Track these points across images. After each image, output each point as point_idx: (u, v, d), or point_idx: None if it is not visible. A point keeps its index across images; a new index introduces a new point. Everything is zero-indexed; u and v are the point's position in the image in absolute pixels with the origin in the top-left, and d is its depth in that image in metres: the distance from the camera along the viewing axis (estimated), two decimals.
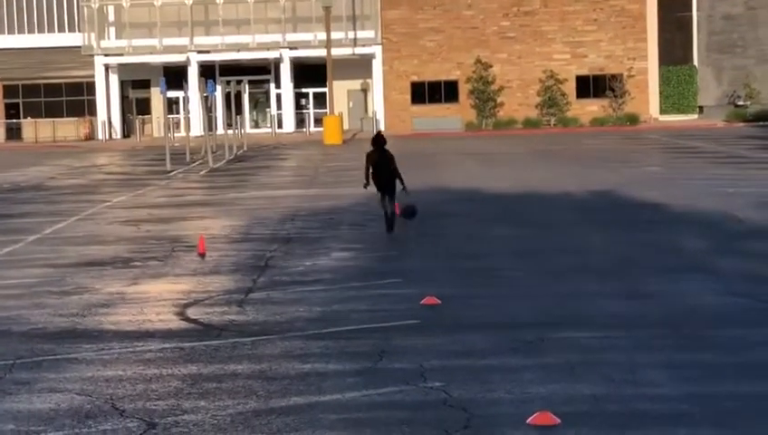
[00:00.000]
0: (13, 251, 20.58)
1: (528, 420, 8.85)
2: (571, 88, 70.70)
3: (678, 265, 16.73)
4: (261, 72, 73.08)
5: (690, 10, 73.94)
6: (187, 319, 13.61)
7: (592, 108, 70.07)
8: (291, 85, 71.95)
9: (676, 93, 72.38)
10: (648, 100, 70.87)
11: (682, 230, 20.70)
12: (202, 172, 41.34)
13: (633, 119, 68.31)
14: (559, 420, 8.81)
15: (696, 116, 72.03)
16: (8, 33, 74.69)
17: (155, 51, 71.72)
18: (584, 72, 70.87)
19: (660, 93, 71.77)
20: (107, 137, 71.42)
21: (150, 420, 9.20)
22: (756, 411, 9.09)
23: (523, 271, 16.63)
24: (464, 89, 70.93)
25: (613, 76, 70.09)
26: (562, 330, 12.28)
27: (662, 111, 71.73)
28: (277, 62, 71.77)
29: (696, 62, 73.37)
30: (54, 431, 8.96)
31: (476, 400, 9.56)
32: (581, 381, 10.04)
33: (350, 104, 73.48)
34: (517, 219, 23.21)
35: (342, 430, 8.81)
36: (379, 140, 22.09)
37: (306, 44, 70.96)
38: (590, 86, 70.89)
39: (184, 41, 71.64)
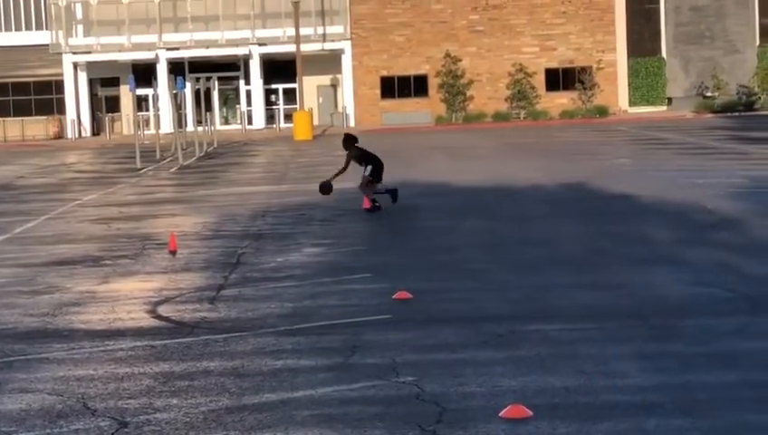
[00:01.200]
0: None
1: (500, 414, 8.88)
2: (540, 81, 70.88)
3: (648, 255, 16.80)
4: (230, 68, 72.98)
5: (658, 2, 74.16)
6: (159, 317, 13.59)
7: (562, 100, 70.28)
8: (260, 81, 71.86)
9: (645, 85, 72.63)
10: (617, 92, 71.13)
11: (651, 221, 20.79)
12: (172, 169, 41.24)
13: (602, 111, 68.54)
14: (531, 413, 8.84)
15: (664, 107, 72.32)
16: None
17: (123, 48, 71.50)
18: (553, 64, 71.05)
19: (629, 85, 72.02)
20: (76, 135, 71.16)
21: (122, 418, 9.18)
22: (726, 400, 9.15)
23: (493, 264, 16.68)
24: (433, 83, 71.01)
25: (582, 69, 70.31)
26: (533, 322, 12.33)
27: (631, 103, 71.99)
28: (246, 59, 71.66)
29: (664, 54, 73.62)
30: (26, 432, 8.94)
31: (449, 394, 9.59)
32: (553, 374, 10.08)
33: (320, 100, 73.43)
34: (487, 212, 23.26)
35: (315, 426, 8.82)
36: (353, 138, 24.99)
37: (275, 40, 70.89)
38: (560, 79, 71.08)
39: (152, 38, 71.43)
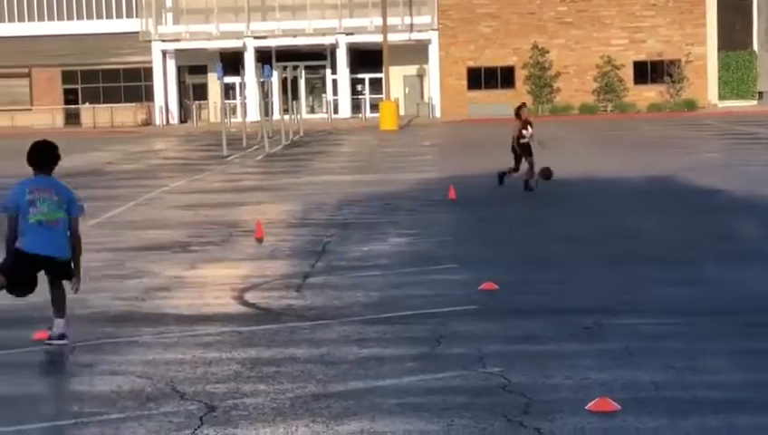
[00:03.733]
0: None
1: (587, 407, 8.82)
2: (628, 74, 70.32)
3: (738, 251, 16.60)
4: (317, 57, 73.25)
5: None
6: (246, 303, 13.67)
7: (650, 94, 69.66)
8: (347, 71, 72.06)
9: (735, 79, 71.79)
10: (706, 85, 70.37)
11: (741, 216, 20.53)
12: (258, 157, 41.50)
13: (691, 105, 67.84)
14: (619, 407, 8.77)
15: (755, 102, 71.43)
16: (67, 20, 75.27)
17: (212, 37, 72.07)
18: (642, 57, 70.46)
19: (719, 79, 71.22)
20: (164, 122, 71.89)
21: (210, 402, 9.25)
22: None
23: (580, 256, 16.57)
24: (520, 75, 70.74)
25: (671, 62, 69.64)
26: (621, 316, 12.22)
27: (721, 97, 71.18)
28: (333, 48, 71.88)
29: (755, 48, 72.67)
30: (116, 413, 9.04)
31: (535, 385, 9.54)
32: (641, 368, 9.99)
33: (406, 90, 73.45)
34: (574, 205, 23.13)
35: (401, 415, 8.82)
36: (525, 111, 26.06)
37: (362, 30, 71.03)
38: (648, 72, 70.48)
39: (240, 26, 71.91)
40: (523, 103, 27.17)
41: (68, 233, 11.22)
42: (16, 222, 11.03)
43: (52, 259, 11.12)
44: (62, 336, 11.28)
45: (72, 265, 11.33)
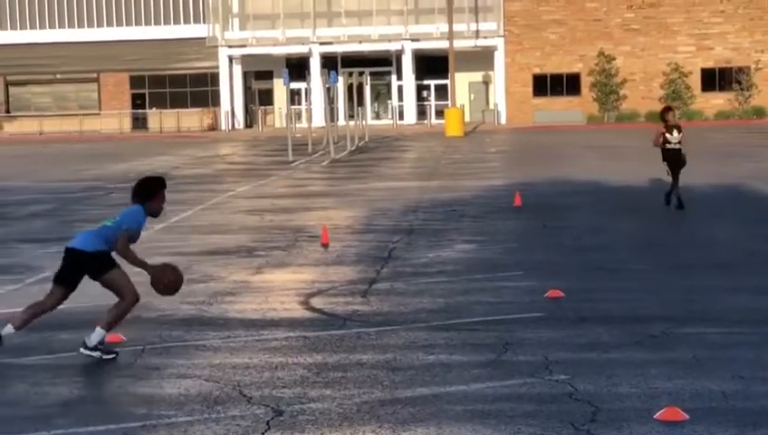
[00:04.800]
0: (140, 239, 20.87)
1: (655, 416, 8.76)
2: (695, 81, 69.84)
3: None
4: (382, 63, 73.38)
5: None
6: (312, 308, 13.72)
7: (717, 101, 69.11)
8: (412, 77, 72.12)
9: None
10: None
11: None
12: (324, 163, 41.62)
13: (760, 112, 67.23)
14: (687, 416, 8.71)
15: None
16: (135, 25, 75.97)
17: (278, 42, 72.43)
18: (710, 64, 69.95)
19: None
20: (230, 127, 72.34)
21: (277, 407, 9.29)
22: None
23: (646, 264, 16.47)
24: (586, 81, 70.48)
25: (740, 69, 69.06)
26: (688, 325, 12.14)
27: None
28: (399, 54, 71.98)
29: None
30: (185, 416, 9.11)
31: (602, 393, 9.49)
32: (709, 378, 9.91)
33: (472, 96, 73.38)
34: (640, 212, 22.99)
35: (468, 422, 8.81)
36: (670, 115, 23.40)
37: (428, 36, 71.08)
38: (716, 79, 69.96)
39: (306, 32, 72.21)
40: (668, 106, 24.61)
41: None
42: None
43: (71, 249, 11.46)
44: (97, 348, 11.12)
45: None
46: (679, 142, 22.91)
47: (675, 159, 22.93)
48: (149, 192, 11.84)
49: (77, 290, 11.40)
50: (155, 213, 11.83)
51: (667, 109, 23.74)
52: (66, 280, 11.25)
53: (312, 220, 23.10)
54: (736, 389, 9.55)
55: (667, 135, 22.96)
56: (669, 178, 23.06)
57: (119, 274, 11.32)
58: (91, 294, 12.12)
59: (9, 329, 11.13)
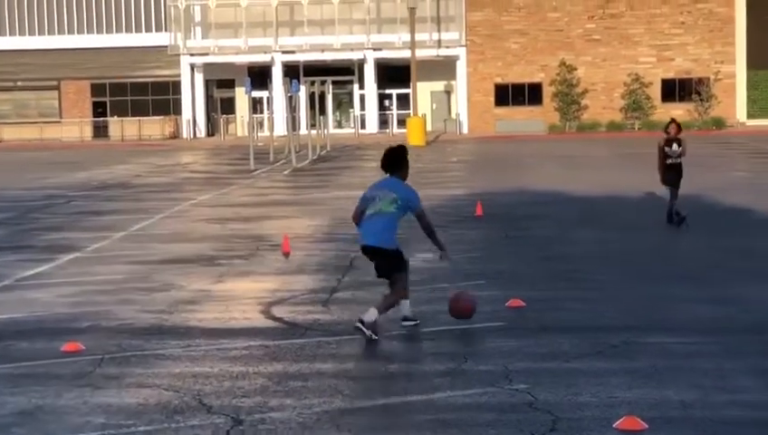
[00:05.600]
0: (100, 248, 20.83)
1: (615, 425, 8.79)
2: (656, 91, 70.20)
3: (765, 270, 16.52)
4: (345, 72, 73.36)
5: None
6: (272, 317, 13.69)
7: (677, 112, 69.36)
8: (374, 86, 72.16)
9: (765, 98, 71.52)
10: (734, 104, 70.18)
11: None
12: (285, 172, 41.57)
13: (719, 123, 67.64)
14: (646, 426, 8.74)
15: None
16: (96, 33, 75.63)
17: (240, 51, 72.29)
18: (670, 75, 70.33)
19: (748, 98, 70.98)
20: (191, 136, 72.14)
21: (237, 416, 9.26)
22: None
23: (607, 274, 16.53)
24: (547, 91, 70.70)
25: (700, 80, 69.47)
26: (649, 335, 12.18)
27: (749, 116, 70.96)
28: (361, 63, 72.01)
29: None
30: (144, 426, 9.06)
31: (562, 403, 9.51)
32: (669, 387, 9.95)
33: (434, 106, 73.47)
34: (602, 222, 23.08)
35: (429, 431, 8.81)
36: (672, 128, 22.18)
37: (390, 46, 71.14)
38: (676, 90, 70.33)
39: (269, 41, 72.12)
40: (672, 119, 23.17)
41: (394, 227, 12.50)
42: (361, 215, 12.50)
43: (374, 248, 12.43)
44: (369, 326, 12.00)
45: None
46: (680, 156, 21.99)
47: (675, 174, 22.03)
48: (405, 160, 12.86)
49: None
50: (406, 178, 12.93)
51: (670, 122, 22.63)
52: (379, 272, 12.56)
53: (274, 229, 23.06)
54: (695, 398, 9.59)
55: (666, 149, 22.06)
56: (667, 196, 22.29)
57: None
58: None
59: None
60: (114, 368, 11.07)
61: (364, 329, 11.96)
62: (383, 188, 12.69)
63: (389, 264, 12.51)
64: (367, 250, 12.58)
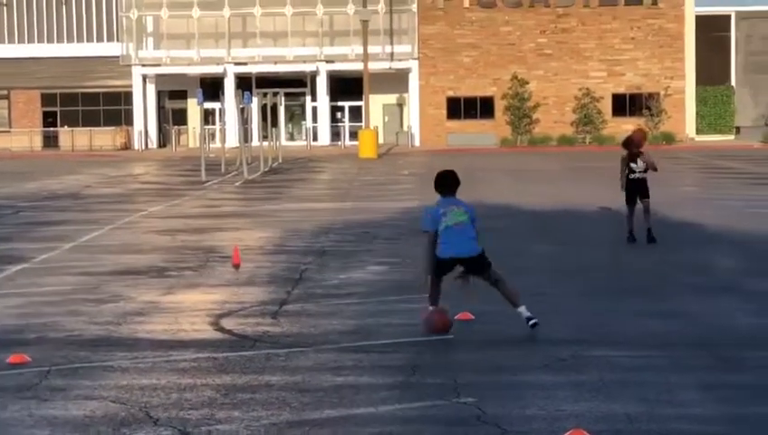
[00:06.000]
0: (49, 258, 20.70)
1: None
2: (606, 106, 70.65)
3: (714, 285, 16.66)
4: (297, 84, 73.33)
5: (728, 30, 73.71)
6: (222, 329, 13.64)
7: (628, 126, 69.66)
8: (327, 98, 72.17)
9: (713, 113, 72.14)
10: (684, 119, 70.74)
11: (717, 250, 20.61)
12: (237, 183, 41.47)
13: (669, 138, 68.13)
14: None
15: (732, 136, 71.79)
16: (48, 42, 75.22)
17: (192, 62, 72.10)
18: (621, 90, 70.81)
19: (697, 113, 71.57)
20: (143, 147, 71.83)
21: (184, 429, 9.22)
22: None
23: (557, 287, 16.60)
24: (499, 105, 70.98)
25: (650, 95, 70.00)
26: (597, 348, 12.24)
27: (698, 131, 71.54)
28: (314, 75, 72.01)
29: (733, 83, 73.11)
30: None
31: (510, 416, 9.54)
32: (616, 400, 10.00)
33: (386, 118, 73.55)
34: (552, 236, 23.17)
35: None
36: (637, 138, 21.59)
37: (343, 58, 71.19)
38: (627, 104, 70.82)
39: (221, 52, 71.98)
40: (634, 131, 22.35)
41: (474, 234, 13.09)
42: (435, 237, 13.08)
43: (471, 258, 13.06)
44: (529, 319, 12.97)
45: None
46: (645, 171, 21.24)
47: (637, 189, 21.21)
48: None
49: None
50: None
51: (635, 132, 22.02)
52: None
53: (224, 241, 23.00)
54: (641, 411, 9.64)
55: (632, 164, 21.24)
56: (626, 212, 21.55)
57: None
58: None
59: None
60: (61, 380, 10.99)
61: (534, 321, 12.98)
62: (450, 204, 13.39)
63: (484, 262, 13.21)
64: (464, 260, 13.13)
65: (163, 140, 74.54)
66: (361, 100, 66.64)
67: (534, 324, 12.97)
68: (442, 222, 13.06)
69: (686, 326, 13.52)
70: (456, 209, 13.23)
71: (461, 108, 71.50)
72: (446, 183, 13.54)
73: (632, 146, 21.36)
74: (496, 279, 13.34)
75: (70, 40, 75.32)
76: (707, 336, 12.88)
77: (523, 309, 13.11)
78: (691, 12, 70.72)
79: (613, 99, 70.81)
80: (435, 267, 13.11)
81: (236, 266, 19.01)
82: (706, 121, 71.97)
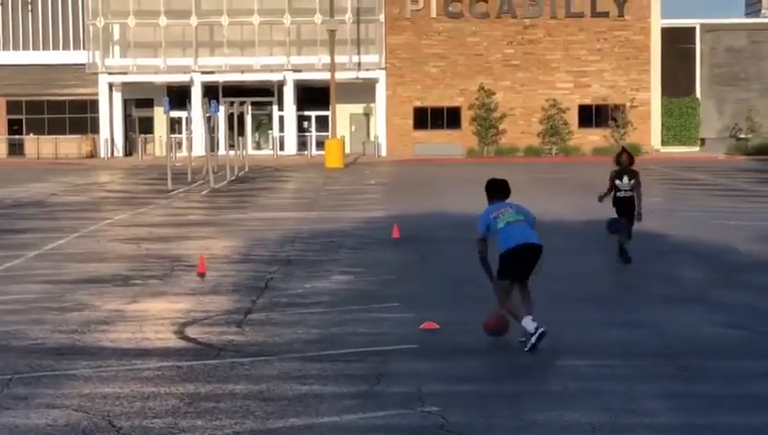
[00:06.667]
0: (13, 266, 20.59)
1: None
2: (573, 117, 70.87)
3: (678, 295, 16.73)
4: (264, 93, 73.25)
5: (694, 42, 74.13)
6: (186, 338, 13.61)
7: (594, 137, 70.18)
8: (293, 108, 72.10)
9: (678, 125, 72.50)
10: (649, 131, 71.03)
11: (681, 261, 20.71)
12: (203, 192, 41.38)
13: (635, 149, 68.28)
14: None
15: (697, 148, 72.15)
16: (13, 50, 74.86)
17: (159, 70, 71.89)
18: (587, 101, 71.04)
19: (662, 125, 71.91)
20: (109, 155, 71.54)
21: None
22: None
23: None
24: (466, 115, 71.08)
25: (616, 106, 70.26)
26: (561, 357, 12.28)
27: (663, 143, 71.85)
28: (281, 85, 71.93)
29: (698, 95, 73.51)
30: None
31: (474, 425, 9.55)
32: (579, 409, 10.03)
33: (353, 128, 73.56)
34: None
35: None
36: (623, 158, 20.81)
37: (310, 67, 71.14)
38: (593, 116, 71.06)
39: (188, 61, 71.81)
40: (624, 148, 21.94)
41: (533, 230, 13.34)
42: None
43: (533, 244, 13.25)
44: (529, 335, 12.67)
45: None
46: (631, 190, 20.62)
47: (625, 209, 20.59)
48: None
49: None
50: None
51: (622, 151, 21.30)
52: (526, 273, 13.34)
53: (190, 250, 22.94)
54: (604, 421, 9.68)
55: (617, 181, 20.72)
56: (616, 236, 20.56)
57: None
58: None
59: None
60: (23, 388, 10.93)
61: (535, 337, 12.62)
62: (501, 207, 13.91)
63: (541, 256, 13.42)
64: (528, 248, 13.29)
65: (129, 149, 74.28)
66: (328, 109, 66.61)
67: (532, 345, 12.62)
68: (497, 223, 13.51)
69: (651, 336, 13.57)
70: (510, 210, 13.71)
71: (428, 118, 71.58)
72: (497, 188, 14.21)
73: (621, 162, 20.86)
74: (526, 286, 13.53)
75: (36, 47, 74.99)
76: (672, 346, 12.94)
77: (527, 321, 12.94)
78: (657, 24, 71.09)
79: (579, 110, 71.04)
80: (502, 270, 13.33)
81: (202, 275, 18.97)
82: (672, 133, 72.31)
